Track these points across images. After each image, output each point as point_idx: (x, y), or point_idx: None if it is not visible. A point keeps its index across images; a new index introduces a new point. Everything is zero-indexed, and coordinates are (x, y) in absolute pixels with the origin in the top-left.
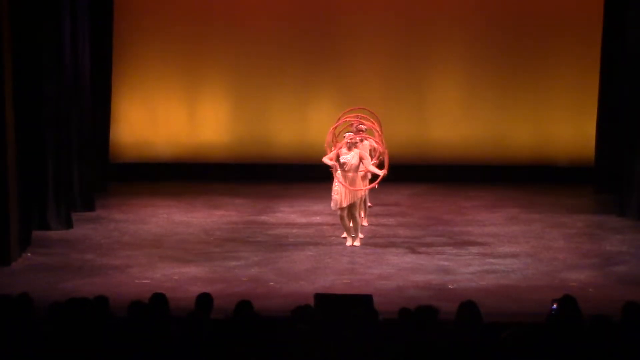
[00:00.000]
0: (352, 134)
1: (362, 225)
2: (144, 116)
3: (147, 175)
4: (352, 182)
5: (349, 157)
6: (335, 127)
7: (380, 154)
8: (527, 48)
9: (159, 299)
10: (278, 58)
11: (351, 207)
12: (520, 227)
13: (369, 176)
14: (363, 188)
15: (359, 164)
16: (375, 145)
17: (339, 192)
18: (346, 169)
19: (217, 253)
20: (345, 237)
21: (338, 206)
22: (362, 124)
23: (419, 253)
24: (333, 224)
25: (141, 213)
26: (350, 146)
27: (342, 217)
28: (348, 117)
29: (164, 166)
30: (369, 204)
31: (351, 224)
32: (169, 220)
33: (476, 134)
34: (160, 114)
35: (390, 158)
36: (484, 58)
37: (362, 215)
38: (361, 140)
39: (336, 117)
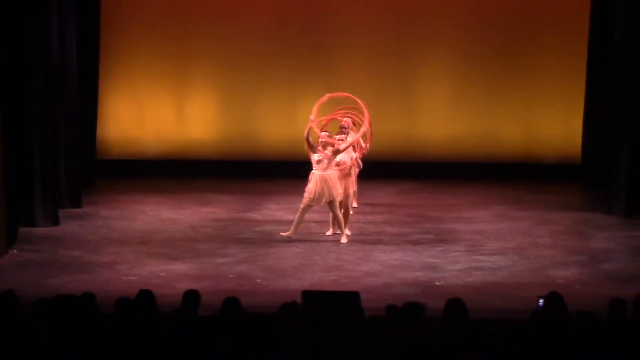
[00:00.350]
0: (326, 133)
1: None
2: (132, 113)
3: (134, 172)
4: (325, 181)
5: (321, 156)
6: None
7: (363, 149)
8: (516, 45)
9: (146, 296)
10: (267, 54)
11: (330, 204)
12: (507, 225)
13: (352, 174)
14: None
15: (331, 162)
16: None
17: (311, 189)
18: (320, 167)
19: (205, 250)
20: (330, 234)
21: (305, 201)
22: (350, 116)
23: (407, 250)
24: (320, 221)
25: (129, 210)
26: (325, 145)
27: (301, 212)
28: (337, 113)
29: (152, 163)
30: (354, 205)
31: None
32: (157, 217)
33: (465, 131)
34: (148, 111)
35: (378, 155)
36: (473, 55)
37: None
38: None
39: (323, 114)
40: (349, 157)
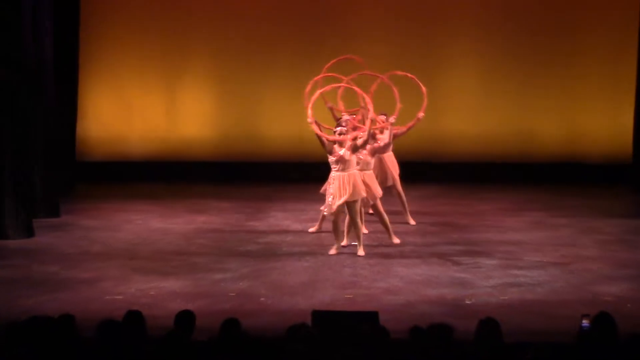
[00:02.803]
0: (343, 127)
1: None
2: (117, 109)
3: (120, 176)
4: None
5: (342, 152)
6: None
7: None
8: (554, 31)
9: (133, 317)
10: (270, 42)
11: (350, 209)
12: (546, 234)
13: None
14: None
15: (353, 157)
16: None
17: (333, 193)
18: (339, 168)
19: (200, 264)
20: (344, 245)
21: (330, 210)
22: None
23: (432, 264)
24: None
25: (113, 219)
26: (342, 142)
27: (335, 222)
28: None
29: (140, 165)
30: (370, 211)
31: (347, 229)
32: (145, 227)
33: (496, 128)
34: (136, 107)
35: (398, 155)
36: (505, 42)
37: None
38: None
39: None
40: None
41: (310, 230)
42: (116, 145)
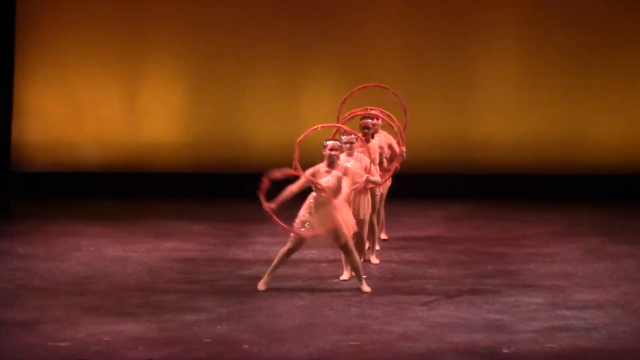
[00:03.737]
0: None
1: (371, 262)
2: (63, 108)
3: (66, 190)
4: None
5: (329, 178)
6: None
7: (398, 155)
8: (610, 18)
9: None
10: (255, 27)
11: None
12: (605, 264)
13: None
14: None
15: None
16: (392, 142)
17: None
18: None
19: (168, 303)
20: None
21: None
22: (372, 115)
23: (460, 302)
24: (334, 261)
25: (58, 245)
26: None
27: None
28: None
29: (92, 177)
30: (384, 237)
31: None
32: (98, 256)
33: (539, 133)
34: (87, 105)
35: (419, 166)
36: (549, 32)
37: (367, 247)
38: (365, 141)
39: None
40: (360, 168)
41: (343, 278)
42: (62, 152)
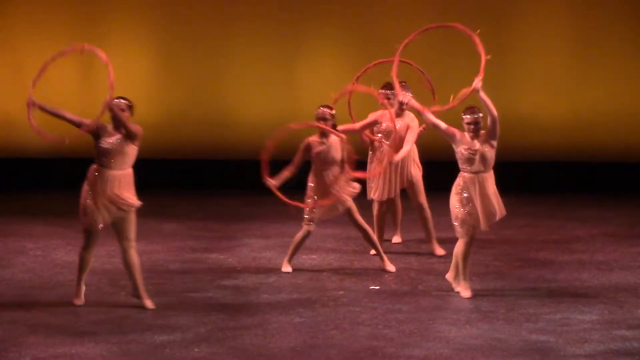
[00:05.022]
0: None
1: (387, 270)
2: (4, 82)
3: (8, 182)
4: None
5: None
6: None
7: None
8: None
9: None
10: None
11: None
12: None
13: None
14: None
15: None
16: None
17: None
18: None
19: (133, 320)
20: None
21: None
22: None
23: (494, 319)
24: (339, 268)
25: None
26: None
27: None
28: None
29: (39, 165)
30: (398, 240)
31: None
32: (47, 261)
33: (594, 112)
34: (31, 76)
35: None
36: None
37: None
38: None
39: (343, 81)
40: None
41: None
42: (4, 135)
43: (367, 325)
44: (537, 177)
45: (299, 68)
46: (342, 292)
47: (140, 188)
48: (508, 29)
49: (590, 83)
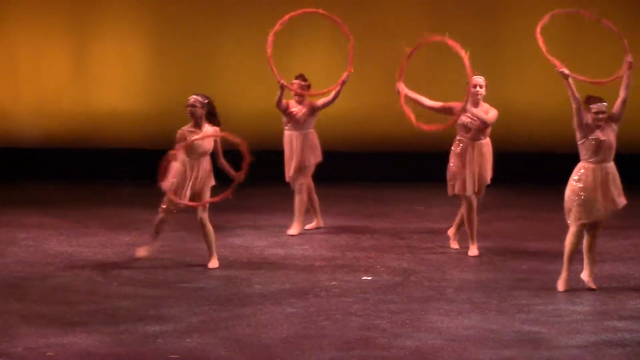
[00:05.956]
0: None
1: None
2: None
3: (0, 171)
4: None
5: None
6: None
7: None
8: None
9: None
10: None
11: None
12: None
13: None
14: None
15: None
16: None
17: None
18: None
19: (126, 310)
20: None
21: None
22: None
23: (487, 310)
24: (331, 259)
25: None
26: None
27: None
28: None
29: (31, 154)
30: (318, 224)
31: None
32: (40, 251)
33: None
34: (26, 69)
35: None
36: None
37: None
38: None
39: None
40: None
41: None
42: None
43: (359, 316)
44: (531, 168)
45: (294, 60)
46: (334, 282)
47: (135, 178)
48: (505, 18)
49: (587, 73)
